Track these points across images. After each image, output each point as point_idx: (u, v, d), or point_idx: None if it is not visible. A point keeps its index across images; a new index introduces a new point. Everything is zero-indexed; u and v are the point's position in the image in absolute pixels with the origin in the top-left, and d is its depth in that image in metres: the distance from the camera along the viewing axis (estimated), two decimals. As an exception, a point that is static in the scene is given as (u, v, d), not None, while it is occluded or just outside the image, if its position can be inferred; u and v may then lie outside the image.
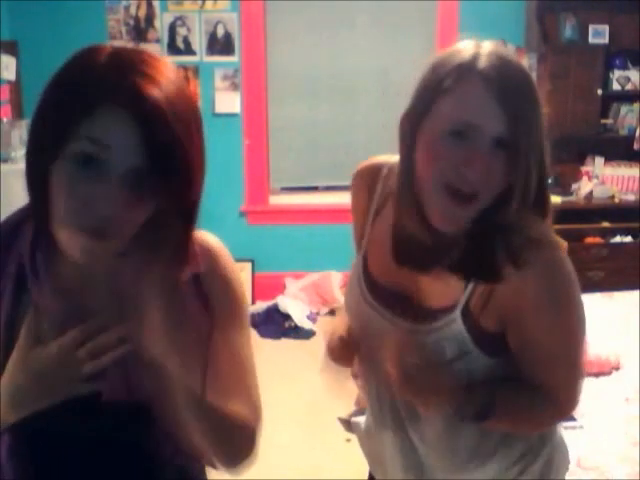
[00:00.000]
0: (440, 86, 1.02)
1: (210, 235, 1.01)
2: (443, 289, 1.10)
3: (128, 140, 0.80)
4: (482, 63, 1.00)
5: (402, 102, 1.12)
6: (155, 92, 0.80)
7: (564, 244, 1.09)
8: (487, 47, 1.03)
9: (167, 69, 0.86)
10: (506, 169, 0.99)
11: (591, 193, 4.40)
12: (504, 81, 0.99)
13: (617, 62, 4.32)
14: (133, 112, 0.79)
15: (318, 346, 1.88)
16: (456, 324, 1.08)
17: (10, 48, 4.03)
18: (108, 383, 0.89)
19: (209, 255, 0.98)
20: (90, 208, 0.80)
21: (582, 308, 1.11)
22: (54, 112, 0.82)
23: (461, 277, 1.07)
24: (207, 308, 0.97)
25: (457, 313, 1.08)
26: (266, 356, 3.85)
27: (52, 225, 0.85)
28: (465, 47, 1.05)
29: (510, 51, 1.09)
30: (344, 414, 1.47)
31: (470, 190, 0.99)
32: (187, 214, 0.89)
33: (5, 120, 3.79)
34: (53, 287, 0.91)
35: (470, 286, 1.07)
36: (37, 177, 0.84)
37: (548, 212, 1.10)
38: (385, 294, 1.17)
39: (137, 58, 0.83)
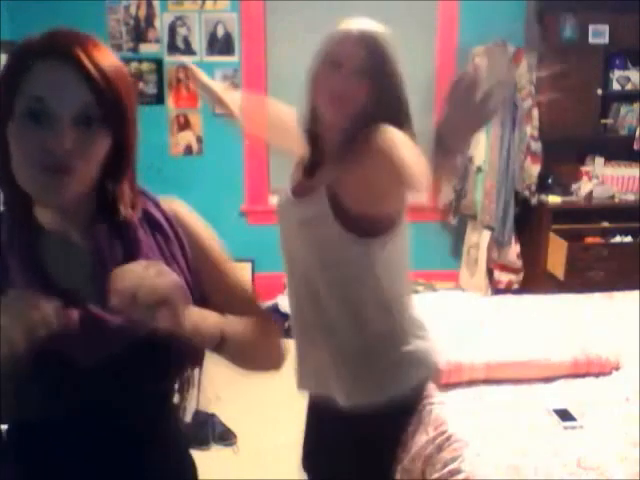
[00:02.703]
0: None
1: (170, 199, 1.12)
2: (324, 175, 1.57)
3: (69, 87, 0.91)
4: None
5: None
6: (85, 43, 0.93)
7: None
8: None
9: (98, 41, 0.97)
10: (367, 92, 1.48)
11: (591, 193, 4.39)
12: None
13: (617, 62, 4.32)
14: (69, 60, 0.91)
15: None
16: (323, 200, 1.52)
17: (10, 48, 4.03)
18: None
19: (175, 215, 1.09)
20: (46, 148, 0.90)
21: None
22: (1, 80, 0.94)
23: (332, 164, 1.54)
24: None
25: (323, 191, 1.53)
26: (266, 356, 3.85)
27: (17, 181, 0.94)
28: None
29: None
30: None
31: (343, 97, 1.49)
32: (128, 158, 1.00)
33: (5, 120, 3.79)
34: (34, 271, 0.96)
35: (336, 172, 1.51)
36: None
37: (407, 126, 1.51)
38: (296, 187, 1.68)
39: (70, 30, 0.96)
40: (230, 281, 1.15)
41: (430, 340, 1.74)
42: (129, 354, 0.95)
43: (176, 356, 1.00)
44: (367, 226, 1.53)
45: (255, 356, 1.14)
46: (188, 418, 3.09)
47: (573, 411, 2.28)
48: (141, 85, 4.41)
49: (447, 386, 2.45)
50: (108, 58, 0.95)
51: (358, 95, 1.48)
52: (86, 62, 0.91)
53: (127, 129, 0.97)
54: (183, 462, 1.18)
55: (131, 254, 0.98)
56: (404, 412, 1.74)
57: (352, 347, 1.64)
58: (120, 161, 0.98)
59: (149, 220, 1.04)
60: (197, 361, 1.08)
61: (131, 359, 0.95)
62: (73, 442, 1.00)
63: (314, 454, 1.84)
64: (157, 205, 1.07)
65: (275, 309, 4.27)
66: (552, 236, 4.26)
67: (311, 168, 1.64)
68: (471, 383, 2.47)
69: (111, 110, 0.93)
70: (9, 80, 0.93)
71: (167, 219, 1.07)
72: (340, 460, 1.68)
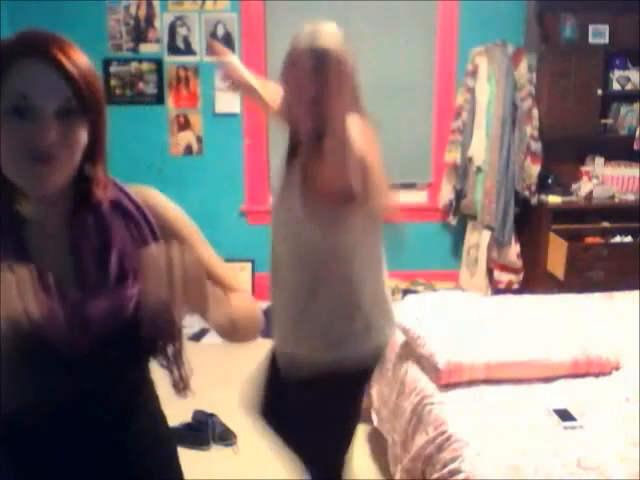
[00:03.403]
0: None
1: (139, 185, 1.18)
2: (297, 168, 1.81)
3: (50, 84, 0.98)
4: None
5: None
6: (61, 43, 1.01)
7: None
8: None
9: (70, 41, 1.04)
10: (320, 85, 1.78)
11: (591, 193, 4.40)
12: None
13: (617, 62, 4.32)
14: (48, 59, 0.98)
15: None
16: (295, 196, 1.76)
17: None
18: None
19: (145, 203, 1.15)
20: (31, 141, 0.97)
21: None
22: None
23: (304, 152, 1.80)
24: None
25: (296, 190, 1.76)
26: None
27: (5, 173, 1.00)
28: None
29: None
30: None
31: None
32: (101, 144, 1.08)
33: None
34: (19, 256, 1.01)
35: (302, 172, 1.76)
36: None
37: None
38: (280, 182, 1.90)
39: (43, 31, 1.03)
40: (205, 258, 1.19)
41: (383, 328, 1.93)
42: (109, 339, 1.02)
43: (152, 334, 1.06)
44: (329, 205, 1.72)
45: (239, 329, 1.18)
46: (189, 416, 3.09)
47: (573, 411, 2.28)
48: (141, 85, 4.41)
49: (447, 386, 2.45)
50: (80, 55, 1.03)
51: (311, 85, 1.80)
52: (64, 60, 0.99)
53: (100, 118, 1.06)
54: (163, 439, 1.26)
55: (105, 243, 1.07)
56: (332, 383, 1.84)
57: (302, 311, 1.85)
58: (94, 148, 1.06)
59: (120, 208, 1.11)
60: (174, 337, 1.13)
61: (111, 343, 1.02)
62: (53, 424, 1.05)
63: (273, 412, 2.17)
64: (127, 193, 1.14)
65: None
66: (552, 236, 4.26)
67: (290, 158, 1.91)
68: (471, 383, 2.47)
69: (88, 102, 1.01)
70: None
71: (137, 206, 1.13)
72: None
